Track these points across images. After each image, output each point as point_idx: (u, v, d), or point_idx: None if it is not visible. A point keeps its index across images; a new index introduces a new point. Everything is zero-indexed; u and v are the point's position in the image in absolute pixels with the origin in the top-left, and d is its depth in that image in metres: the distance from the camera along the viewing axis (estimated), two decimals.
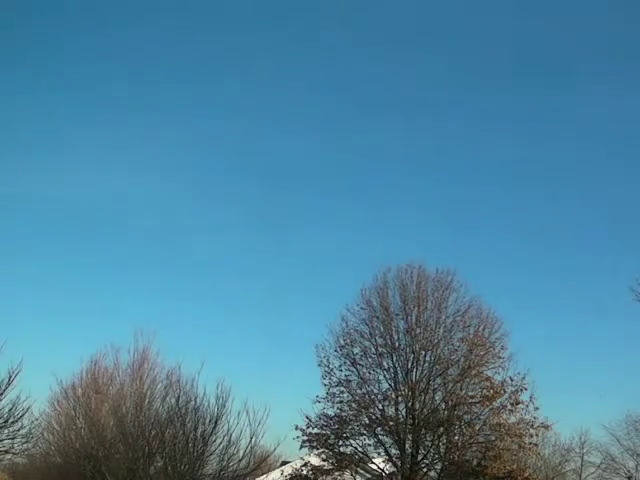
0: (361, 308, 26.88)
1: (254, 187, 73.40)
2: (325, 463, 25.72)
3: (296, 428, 25.65)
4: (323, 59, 71.32)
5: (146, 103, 71.41)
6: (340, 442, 25.76)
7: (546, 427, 25.54)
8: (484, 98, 71.03)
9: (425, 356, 25.85)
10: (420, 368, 25.78)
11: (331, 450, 25.72)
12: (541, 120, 71.14)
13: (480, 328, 25.91)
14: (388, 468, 25.96)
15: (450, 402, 25.26)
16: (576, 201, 69.26)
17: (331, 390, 26.20)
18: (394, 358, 25.97)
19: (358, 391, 26.04)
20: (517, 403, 24.82)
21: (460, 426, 25.16)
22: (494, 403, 24.88)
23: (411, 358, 25.81)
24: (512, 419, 24.79)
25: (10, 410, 22.85)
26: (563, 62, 70.47)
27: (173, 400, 26.17)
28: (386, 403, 25.91)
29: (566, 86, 70.71)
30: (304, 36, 71.11)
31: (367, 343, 26.36)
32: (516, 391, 24.93)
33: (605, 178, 68.99)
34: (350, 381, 26.15)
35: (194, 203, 72.42)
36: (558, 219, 68.67)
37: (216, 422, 24.71)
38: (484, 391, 25.07)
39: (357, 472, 26.49)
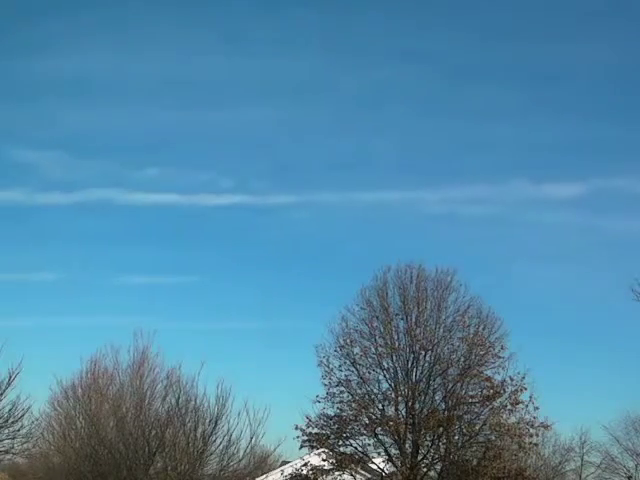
0: (361, 308, 26.86)
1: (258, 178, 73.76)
2: (325, 463, 25.66)
3: (296, 428, 25.63)
4: None
5: None
6: (340, 442, 25.71)
7: (546, 427, 25.52)
8: None
9: (425, 356, 25.82)
10: (420, 368, 25.76)
11: (331, 450, 25.68)
12: None
13: (480, 328, 25.86)
14: (388, 468, 25.92)
15: (450, 402, 25.23)
16: None
17: (331, 390, 26.16)
18: (394, 358, 25.94)
19: (358, 391, 26.00)
20: (517, 403, 24.77)
21: (460, 426, 25.13)
22: (494, 403, 24.84)
23: (411, 358, 25.79)
24: (512, 419, 24.75)
25: (10, 410, 22.96)
26: None
27: (173, 400, 26.31)
28: (386, 403, 25.90)
29: None
30: None
31: (367, 343, 26.34)
32: (516, 391, 24.88)
33: None
34: (350, 381, 26.12)
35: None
36: None
37: (216, 422, 24.85)
38: (484, 391, 25.05)
39: (357, 472, 26.44)
